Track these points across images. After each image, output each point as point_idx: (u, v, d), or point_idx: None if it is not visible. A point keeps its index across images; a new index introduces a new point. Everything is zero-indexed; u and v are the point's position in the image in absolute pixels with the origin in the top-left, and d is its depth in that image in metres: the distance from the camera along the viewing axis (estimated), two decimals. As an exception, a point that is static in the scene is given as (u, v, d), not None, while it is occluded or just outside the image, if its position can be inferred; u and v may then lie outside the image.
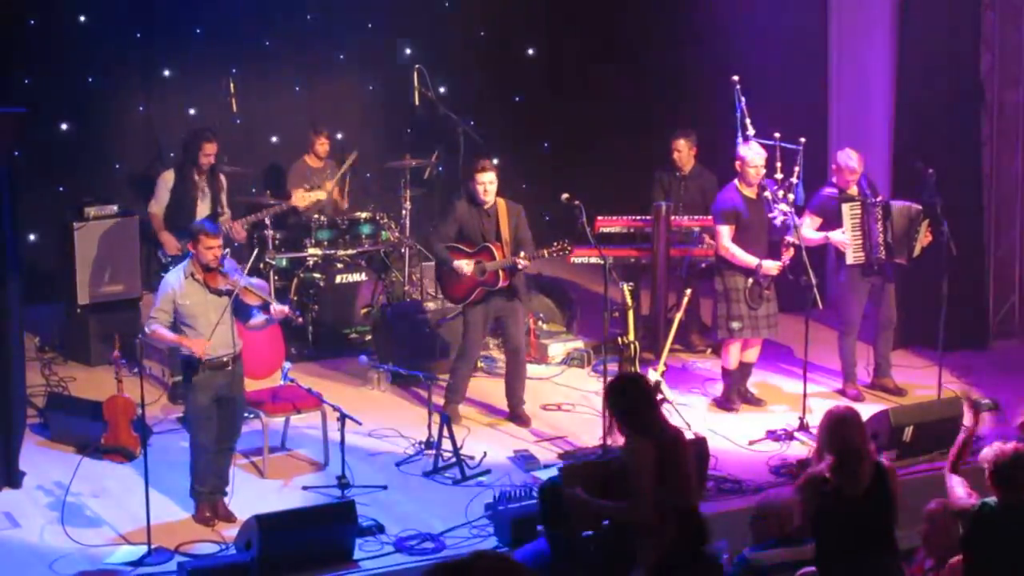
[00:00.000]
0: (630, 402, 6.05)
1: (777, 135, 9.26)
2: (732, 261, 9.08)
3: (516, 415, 9.17)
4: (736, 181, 9.15)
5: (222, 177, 10.01)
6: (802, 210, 9.40)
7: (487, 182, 8.82)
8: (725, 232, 9.09)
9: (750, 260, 9.03)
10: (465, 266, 8.83)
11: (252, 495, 7.88)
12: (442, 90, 11.89)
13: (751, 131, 9.39)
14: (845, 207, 9.33)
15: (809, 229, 9.35)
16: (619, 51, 13.10)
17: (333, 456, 8.19)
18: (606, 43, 13.16)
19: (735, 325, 9.13)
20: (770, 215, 9.02)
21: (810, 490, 5.94)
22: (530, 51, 13.64)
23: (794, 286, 9.07)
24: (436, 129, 11.71)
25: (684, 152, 10.63)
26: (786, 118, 10.10)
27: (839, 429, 5.95)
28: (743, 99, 9.48)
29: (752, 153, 9.05)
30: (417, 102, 11.33)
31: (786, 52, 11.63)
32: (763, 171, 9.05)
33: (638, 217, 10.61)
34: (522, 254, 8.81)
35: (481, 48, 13.20)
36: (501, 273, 8.85)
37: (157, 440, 8.56)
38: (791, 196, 9.17)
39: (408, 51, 12.59)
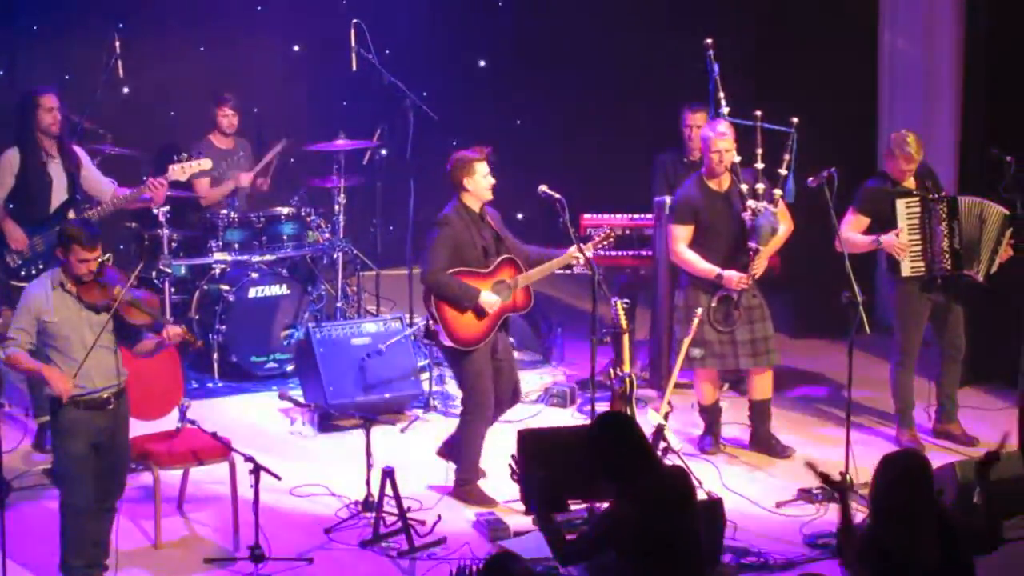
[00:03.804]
0: (608, 448, 6.30)
1: (758, 113, 9.30)
2: (687, 269, 9.30)
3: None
4: (702, 171, 9.32)
5: (77, 150, 9.85)
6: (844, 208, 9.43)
7: (487, 175, 8.78)
8: (678, 234, 9.28)
9: (707, 268, 9.22)
10: (492, 301, 8.65)
11: (140, 569, 7.85)
12: (387, 52, 11.87)
13: (724, 108, 9.52)
14: (900, 203, 9.37)
15: (854, 231, 9.41)
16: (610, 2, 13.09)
17: (244, 520, 8.16)
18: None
19: (696, 353, 9.30)
20: (743, 214, 9.17)
21: (871, 563, 5.94)
22: (500, 2, 13.65)
23: (833, 305, 9.06)
24: (379, 102, 11.69)
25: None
26: (825, 91, 10.06)
27: (901, 481, 5.97)
28: (716, 66, 9.60)
29: (713, 134, 9.19)
30: (355, 67, 11.32)
31: (825, 5, 11.64)
32: (728, 156, 9.19)
33: (636, 216, 10.65)
34: (576, 246, 8.69)
35: (437, -1, 13.21)
36: (525, 291, 8.84)
37: (17, 499, 8.52)
38: (778, 192, 9.22)
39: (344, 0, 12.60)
